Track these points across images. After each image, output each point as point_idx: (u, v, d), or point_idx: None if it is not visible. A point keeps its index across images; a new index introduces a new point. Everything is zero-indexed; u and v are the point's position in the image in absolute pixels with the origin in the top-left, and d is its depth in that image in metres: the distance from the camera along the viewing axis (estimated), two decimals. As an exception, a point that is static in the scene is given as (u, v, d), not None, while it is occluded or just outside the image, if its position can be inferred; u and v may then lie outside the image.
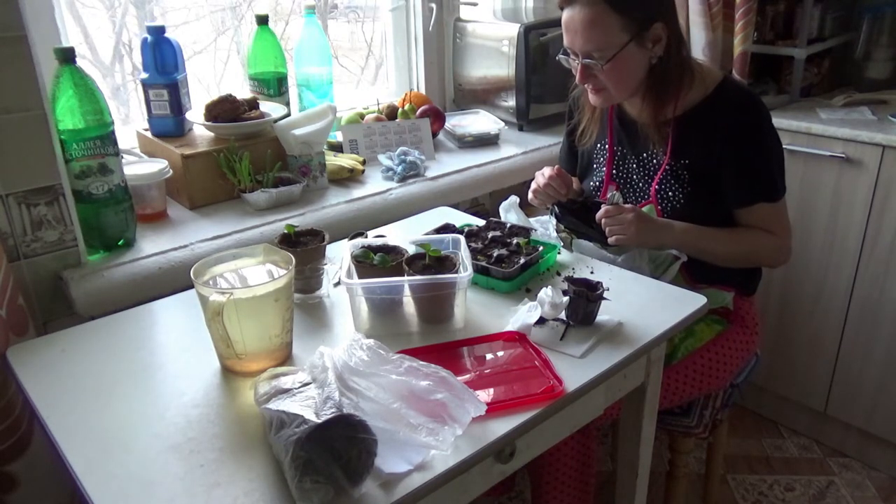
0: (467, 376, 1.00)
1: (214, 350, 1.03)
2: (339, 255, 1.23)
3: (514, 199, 1.49)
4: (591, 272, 1.31)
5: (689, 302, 1.20)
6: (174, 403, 0.96)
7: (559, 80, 1.99)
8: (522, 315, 1.11)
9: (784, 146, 1.43)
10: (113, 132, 1.29)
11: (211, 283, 1.02)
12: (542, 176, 1.46)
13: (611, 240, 1.34)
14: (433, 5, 2.06)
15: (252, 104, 1.61)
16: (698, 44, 1.93)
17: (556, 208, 1.42)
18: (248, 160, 1.51)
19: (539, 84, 1.98)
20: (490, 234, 1.35)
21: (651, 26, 1.31)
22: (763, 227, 1.41)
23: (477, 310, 1.18)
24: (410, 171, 1.71)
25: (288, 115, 1.65)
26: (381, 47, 2.18)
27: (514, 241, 1.32)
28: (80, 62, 1.23)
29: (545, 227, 1.50)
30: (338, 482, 0.77)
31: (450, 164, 1.80)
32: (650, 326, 1.13)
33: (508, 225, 1.40)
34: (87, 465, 0.85)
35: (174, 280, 1.31)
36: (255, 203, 1.50)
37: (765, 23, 2.08)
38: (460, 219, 1.53)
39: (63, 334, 1.14)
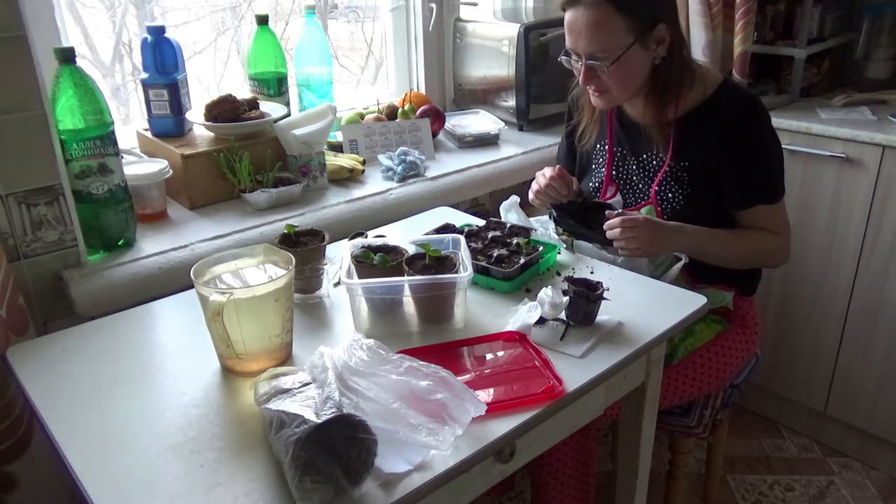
0: (467, 376, 1.00)
1: (214, 350, 1.03)
2: (339, 255, 1.23)
3: (514, 198, 1.49)
4: (591, 272, 1.31)
5: (689, 302, 1.20)
6: (174, 403, 0.96)
7: (559, 80, 1.99)
8: (522, 315, 1.11)
9: (784, 146, 1.43)
10: (113, 132, 1.29)
11: (211, 283, 1.02)
12: (542, 176, 1.46)
13: (622, 253, 1.33)
14: (433, 5, 2.06)
15: (252, 104, 1.61)
16: (698, 44, 1.93)
17: (554, 212, 1.41)
18: (248, 160, 1.51)
19: (539, 84, 1.98)
20: (490, 234, 1.35)
21: (655, 27, 1.31)
22: (763, 228, 1.41)
23: (477, 310, 1.18)
24: (410, 171, 1.71)
25: (288, 115, 1.65)
26: (381, 47, 2.18)
27: (514, 241, 1.32)
28: (80, 62, 1.23)
29: (545, 227, 1.49)
30: (338, 482, 0.77)
31: (450, 164, 1.80)
32: (650, 326, 1.13)
33: (508, 225, 1.40)
34: (87, 465, 0.85)
35: (174, 280, 1.31)
36: (255, 203, 1.50)
37: (765, 23, 2.08)
38: (460, 219, 1.53)
39: (63, 334, 1.14)
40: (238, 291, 0.95)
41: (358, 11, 2.19)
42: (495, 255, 1.27)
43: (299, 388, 0.86)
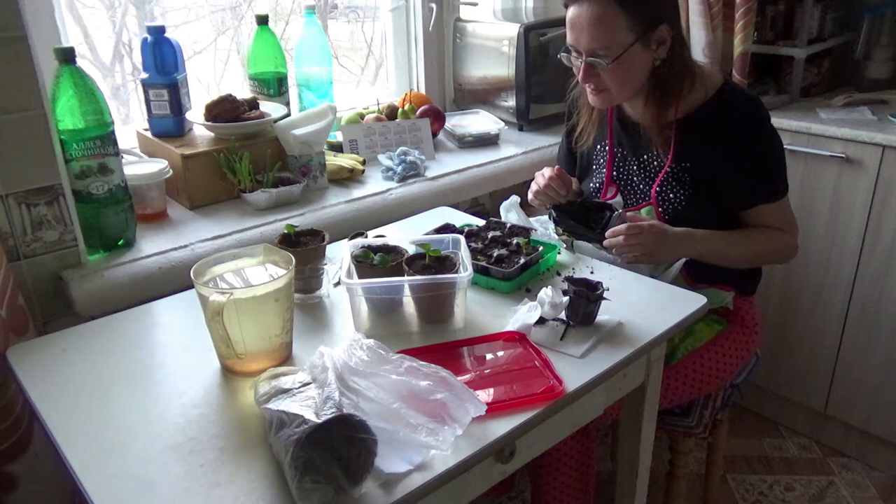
0: (467, 376, 1.00)
1: (214, 350, 1.03)
2: (339, 255, 1.23)
3: (514, 198, 1.49)
4: (591, 272, 1.31)
5: (689, 302, 1.20)
6: (174, 403, 0.96)
7: (559, 80, 1.99)
8: (522, 315, 1.11)
9: (784, 146, 1.43)
10: (113, 132, 1.29)
11: (211, 283, 1.02)
12: (542, 177, 1.45)
13: (626, 259, 1.33)
14: (433, 5, 2.06)
15: (252, 104, 1.61)
16: (698, 44, 1.93)
17: (553, 212, 1.41)
18: (248, 160, 1.51)
19: (539, 84, 1.98)
20: (490, 234, 1.35)
21: (657, 27, 1.31)
22: (769, 226, 1.41)
23: (477, 310, 1.18)
24: (410, 171, 1.71)
25: (288, 115, 1.65)
26: (381, 47, 2.18)
27: (514, 241, 1.32)
28: (80, 62, 1.23)
29: (545, 227, 1.50)
30: (338, 482, 0.77)
31: (450, 164, 1.80)
32: (650, 326, 1.13)
33: (508, 225, 1.40)
34: (87, 465, 0.85)
35: (174, 280, 1.31)
36: (255, 203, 1.50)
37: (765, 23, 2.08)
38: (460, 219, 1.53)
39: (63, 334, 1.14)
40: (238, 291, 0.95)
41: (358, 11, 2.19)
42: (495, 255, 1.27)
43: (299, 388, 0.86)
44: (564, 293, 1.13)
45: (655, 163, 1.45)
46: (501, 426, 0.91)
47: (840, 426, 2.06)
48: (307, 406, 0.80)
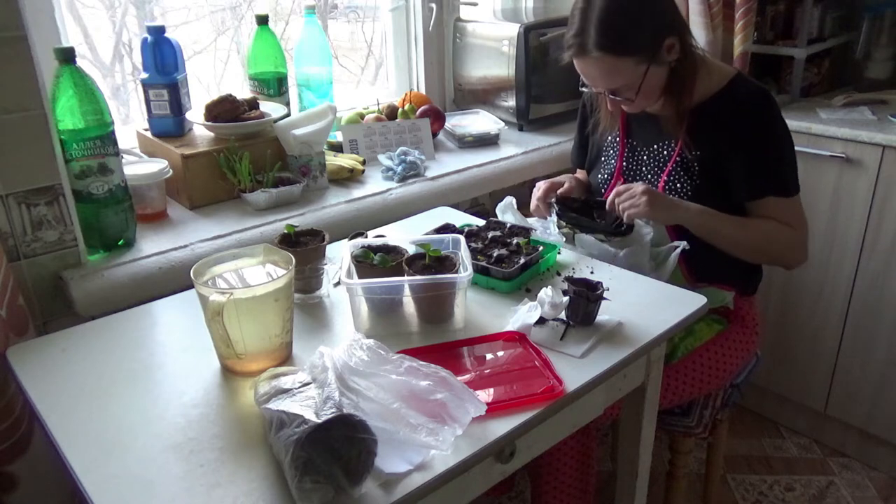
0: (467, 376, 1.00)
1: (214, 350, 1.03)
2: (339, 255, 1.22)
3: (509, 199, 1.49)
4: (591, 272, 1.31)
5: (689, 302, 1.20)
6: (174, 403, 0.96)
7: (559, 80, 2.00)
8: (522, 315, 1.11)
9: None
10: (113, 132, 1.29)
11: (211, 283, 1.02)
12: (538, 190, 1.49)
13: (624, 215, 1.35)
14: (433, 5, 2.06)
15: (252, 104, 1.61)
16: (698, 44, 1.92)
17: (556, 205, 1.42)
18: (248, 160, 1.51)
19: (539, 84, 1.98)
20: (490, 234, 1.35)
21: (663, 43, 1.32)
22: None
23: (477, 310, 1.18)
24: (410, 171, 1.71)
25: (288, 115, 1.65)
26: (381, 47, 2.18)
27: (514, 241, 1.32)
28: (80, 62, 1.23)
29: (545, 226, 1.50)
30: (338, 482, 0.77)
31: (450, 164, 1.80)
32: (650, 326, 1.13)
33: (508, 225, 1.40)
34: (87, 465, 0.85)
35: (174, 280, 1.31)
36: (255, 203, 1.50)
37: (765, 23, 2.08)
38: (460, 219, 1.53)
39: (63, 334, 1.14)
40: (238, 291, 0.95)
41: (358, 11, 2.19)
42: (495, 255, 1.27)
43: (299, 388, 0.86)
44: (564, 293, 1.13)
45: (666, 152, 1.45)
46: (501, 426, 0.91)
47: (840, 426, 2.06)
48: (307, 406, 0.80)
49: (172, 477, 0.83)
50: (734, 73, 1.42)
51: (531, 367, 1.03)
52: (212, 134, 1.57)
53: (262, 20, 1.66)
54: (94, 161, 1.26)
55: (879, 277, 1.84)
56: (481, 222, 1.44)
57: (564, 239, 1.41)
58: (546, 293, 1.13)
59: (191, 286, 1.03)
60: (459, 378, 0.90)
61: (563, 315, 1.13)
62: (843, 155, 1.82)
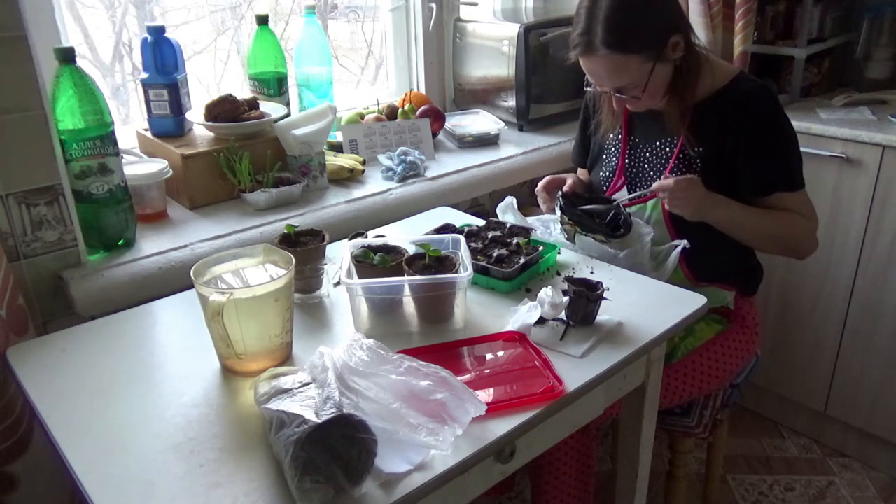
0: (467, 376, 1.00)
1: (214, 350, 1.03)
2: (339, 255, 1.23)
3: (510, 199, 1.49)
4: (591, 272, 1.31)
5: (689, 302, 1.20)
6: (174, 403, 0.96)
7: (559, 80, 2.00)
8: (522, 315, 1.11)
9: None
10: (113, 132, 1.29)
11: (211, 283, 1.02)
12: (542, 182, 1.50)
13: (668, 206, 1.35)
14: (433, 5, 2.06)
15: (252, 104, 1.61)
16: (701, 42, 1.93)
17: (560, 200, 1.42)
18: (248, 160, 1.51)
19: (539, 84, 1.98)
20: (490, 234, 1.35)
21: (668, 41, 1.32)
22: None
23: (477, 310, 1.18)
24: (410, 171, 1.71)
25: (288, 115, 1.65)
26: (381, 47, 2.18)
27: (514, 241, 1.32)
28: (80, 62, 1.23)
29: (545, 226, 1.50)
30: (338, 482, 0.77)
31: (450, 164, 1.80)
32: (650, 326, 1.13)
33: (508, 225, 1.40)
34: (87, 465, 0.85)
35: (174, 280, 1.31)
36: (255, 203, 1.50)
37: (765, 23, 2.08)
38: (460, 219, 1.53)
39: (63, 334, 1.14)
40: (238, 291, 0.95)
41: (358, 11, 2.19)
42: (495, 255, 1.27)
43: (299, 388, 0.86)
44: (564, 293, 1.13)
45: (668, 149, 1.45)
46: (501, 426, 0.91)
47: (840, 426, 2.06)
48: (307, 406, 0.80)
49: (172, 477, 0.83)
50: (737, 71, 1.42)
51: (531, 367, 1.03)
52: (212, 134, 1.57)
53: (262, 20, 1.66)
54: (94, 161, 1.26)
55: (879, 277, 1.84)
56: (481, 222, 1.44)
57: (566, 235, 1.41)
58: (546, 293, 1.13)
59: (191, 286, 1.03)
60: (459, 378, 0.90)
61: (563, 315, 1.13)
62: (843, 155, 1.82)
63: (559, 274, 1.31)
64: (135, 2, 1.73)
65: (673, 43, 1.32)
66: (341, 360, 0.88)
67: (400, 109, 1.91)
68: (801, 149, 1.88)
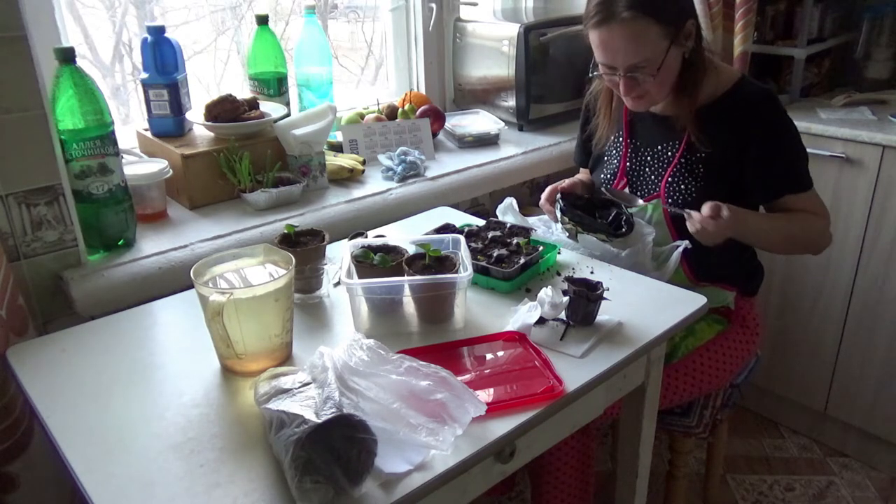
0: (467, 376, 1.00)
1: (214, 350, 1.03)
2: (339, 255, 1.23)
3: (509, 200, 1.49)
4: (591, 272, 1.31)
5: (689, 302, 1.20)
6: (174, 403, 0.96)
7: (559, 80, 2.00)
8: (522, 315, 1.11)
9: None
10: (113, 132, 1.29)
11: (211, 283, 1.02)
12: (544, 194, 1.48)
13: (696, 237, 1.32)
14: (433, 5, 2.06)
15: (252, 104, 1.61)
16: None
17: (561, 202, 1.42)
18: (248, 160, 1.51)
19: (539, 84, 1.98)
20: (490, 234, 1.35)
21: (685, 24, 1.31)
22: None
23: (477, 310, 1.18)
24: (410, 171, 1.71)
25: (288, 115, 1.65)
26: (381, 47, 2.18)
27: (514, 241, 1.32)
28: (80, 62, 1.23)
29: (546, 226, 1.49)
30: (338, 482, 0.77)
31: (450, 164, 1.80)
32: (650, 326, 1.13)
33: (508, 225, 1.40)
34: (87, 465, 0.85)
35: (174, 280, 1.31)
36: (255, 203, 1.50)
37: (765, 23, 2.08)
38: (460, 219, 1.53)
39: (63, 334, 1.14)
40: (238, 291, 0.95)
41: (358, 11, 2.19)
42: (495, 255, 1.27)
43: (299, 388, 0.86)
44: (564, 293, 1.13)
45: (669, 153, 1.45)
46: (501, 426, 0.91)
47: (840, 426, 2.06)
48: (307, 406, 0.80)
49: (172, 477, 0.83)
50: (739, 75, 1.41)
51: (531, 367, 1.03)
52: (212, 134, 1.57)
53: (262, 20, 1.66)
54: (94, 161, 1.26)
55: (879, 277, 1.84)
56: (481, 222, 1.44)
57: (568, 235, 1.41)
58: (546, 293, 1.13)
59: (191, 286, 1.03)
60: (459, 378, 0.90)
61: (563, 315, 1.13)
62: (843, 155, 1.82)
63: (559, 274, 1.31)
64: (135, 2, 1.73)
65: (688, 28, 1.32)
66: (341, 360, 0.88)
67: (400, 109, 1.91)
68: (802, 149, 1.87)
